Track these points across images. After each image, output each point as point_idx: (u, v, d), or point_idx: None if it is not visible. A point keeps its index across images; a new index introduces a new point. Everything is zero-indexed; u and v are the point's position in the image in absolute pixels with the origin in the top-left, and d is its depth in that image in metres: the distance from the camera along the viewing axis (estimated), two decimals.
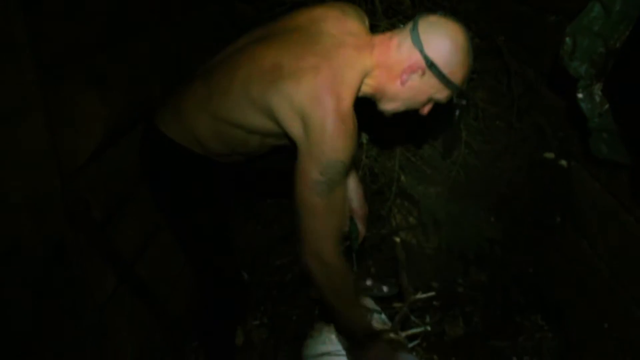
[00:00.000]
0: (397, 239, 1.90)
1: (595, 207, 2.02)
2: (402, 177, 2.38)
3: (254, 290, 2.57)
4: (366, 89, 1.57)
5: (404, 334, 1.82)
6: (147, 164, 1.77)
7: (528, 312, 2.40)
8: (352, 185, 1.94)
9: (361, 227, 1.89)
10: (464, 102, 2.19)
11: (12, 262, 1.22)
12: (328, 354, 1.87)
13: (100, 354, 1.60)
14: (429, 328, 1.90)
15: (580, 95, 1.59)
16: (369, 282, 2.11)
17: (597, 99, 1.57)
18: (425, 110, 1.60)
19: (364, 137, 2.46)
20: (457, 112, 2.24)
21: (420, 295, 1.90)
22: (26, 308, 1.28)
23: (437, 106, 1.62)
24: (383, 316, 1.89)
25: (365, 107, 1.63)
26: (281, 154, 1.75)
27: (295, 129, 1.48)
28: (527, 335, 2.30)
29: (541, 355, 2.18)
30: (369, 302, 1.97)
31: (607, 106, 1.57)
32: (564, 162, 2.18)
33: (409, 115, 1.65)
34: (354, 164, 1.67)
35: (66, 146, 1.43)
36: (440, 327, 2.33)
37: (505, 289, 2.48)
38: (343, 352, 1.87)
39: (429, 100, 1.57)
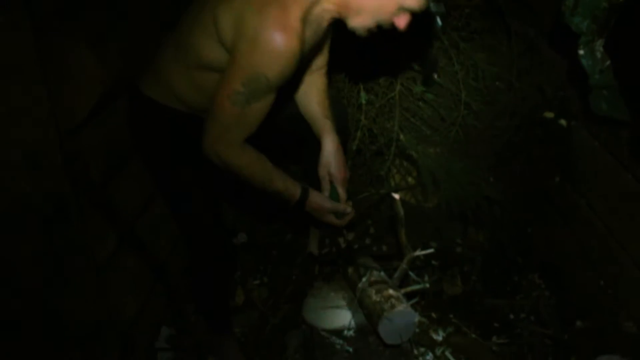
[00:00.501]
0: (396, 196, 1.90)
1: (594, 166, 2.02)
2: (402, 137, 2.37)
3: (254, 251, 2.60)
4: (329, 7, 1.49)
5: (402, 291, 1.84)
6: (135, 128, 1.76)
7: (526, 272, 2.43)
8: (332, 148, 1.87)
9: (341, 191, 1.85)
10: (442, 8, 2.07)
11: (14, 219, 1.23)
12: (327, 308, 1.90)
13: (101, 312, 1.62)
14: (427, 285, 1.93)
15: (581, 52, 1.57)
16: (368, 241, 2.13)
17: (599, 55, 1.56)
18: (401, 23, 1.49)
19: (363, 98, 2.45)
20: (439, 21, 2.13)
21: (418, 252, 1.92)
22: (28, 265, 1.29)
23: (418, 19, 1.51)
24: (382, 273, 1.91)
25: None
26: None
27: (228, 35, 1.44)
28: (524, 293, 2.33)
29: (538, 313, 2.21)
30: (367, 261, 1.98)
31: (608, 62, 1.56)
32: (563, 122, 2.17)
33: (386, 34, 1.55)
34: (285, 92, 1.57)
35: (64, 104, 1.42)
36: (439, 286, 2.36)
37: (503, 249, 2.50)
38: (342, 307, 1.90)
39: (399, 9, 1.46)
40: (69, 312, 1.45)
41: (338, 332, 1.82)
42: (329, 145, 1.85)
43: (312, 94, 1.87)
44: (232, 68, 1.44)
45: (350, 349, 1.81)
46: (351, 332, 1.81)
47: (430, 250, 1.96)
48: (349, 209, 1.81)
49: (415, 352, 2.07)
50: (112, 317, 1.70)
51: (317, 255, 2.19)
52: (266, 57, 1.39)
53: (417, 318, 1.73)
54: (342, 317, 1.86)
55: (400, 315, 1.70)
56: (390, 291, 1.78)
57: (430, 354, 2.08)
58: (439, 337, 2.14)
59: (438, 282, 2.37)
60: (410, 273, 1.96)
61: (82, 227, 1.49)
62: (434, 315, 2.22)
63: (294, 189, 1.72)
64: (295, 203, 1.73)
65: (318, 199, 1.77)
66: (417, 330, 2.11)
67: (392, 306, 1.70)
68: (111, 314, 1.70)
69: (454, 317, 2.22)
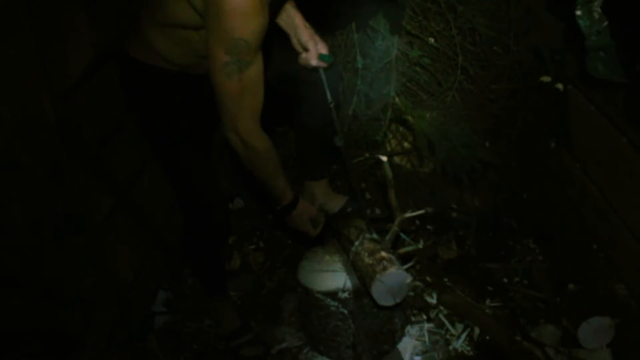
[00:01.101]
0: (384, 158, 1.91)
1: (590, 130, 2.02)
2: (397, 100, 2.36)
3: (250, 216, 2.61)
4: None
5: (395, 253, 1.86)
6: (127, 91, 1.77)
7: (520, 236, 2.44)
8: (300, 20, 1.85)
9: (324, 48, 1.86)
10: None
11: (8, 181, 1.23)
12: (322, 271, 1.92)
13: (98, 273, 1.64)
14: (420, 246, 1.94)
15: (578, 13, 1.55)
16: (362, 205, 2.14)
17: (596, 15, 1.54)
18: None
19: (359, 62, 2.43)
20: None
21: (410, 214, 1.93)
22: (25, 227, 1.29)
23: None
24: (374, 235, 1.92)
25: None
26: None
27: (199, 5, 1.47)
28: (518, 258, 2.34)
29: (531, 276, 2.23)
30: (360, 224, 1.99)
31: (605, 23, 1.54)
32: (560, 86, 2.16)
33: None
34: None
35: (56, 66, 1.41)
36: (434, 251, 2.37)
37: (498, 213, 2.51)
38: (336, 270, 1.92)
39: None
40: (67, 274, 1.46)
41: (333, 294, 1.83)
42: (303, 21, 1.85)
43: None
44: (212, 39, 1.47)
45: (345, 311, 1.83)
46: (346, 294, 1.82)
47: (421, 212, 1.96)
48: (323, 218, 1.97)
49: (410, 314, 2.10)
50: (109, 280, 1.72)
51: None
52: (236, 22, 1.42)
53: (409, 279, 1.74)
54: (337, 280, 1.87)
55: (393, 276, 1.71)
56: (383, 253, 1.79)
57: (425, 317, 2.11)
58: (433, 300, 2.17)
59: (433, 247, 2.39)
60: (402, 235, 1.96)
61: (77, 190, 1.50)
62: (428, 279, 2.25)
63: (290, 192, 1.83)
64: (285, 205, 1.84)
65: (305, 205, 1.90)
66: (411, 293, 2.14)
67: (384, 268, 1.71)
68: (108, 277, 1.71)
69: (448, 280, 2.24)
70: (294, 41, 1.86)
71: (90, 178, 1.61)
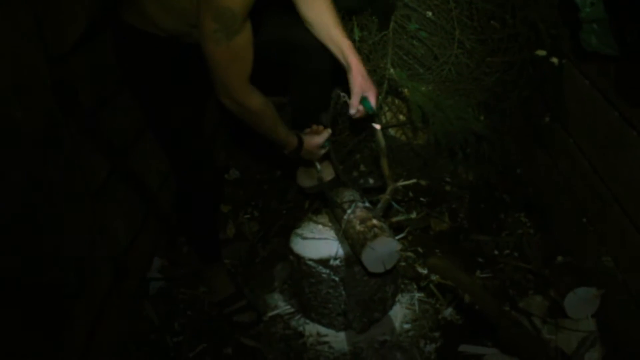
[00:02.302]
0: (377, 126, 1.93)
1: (583, 104, 2.03)
2: (392, 71, 2.37)
3: (245, 186, 2.63)
4: None
5: (387, 222, 1.88)
6: (120, 56, 1.78)
7: (512, 210, 2.47)
8: (361, 67, 1.92)
9: (373, 103, 1.96)
10: None
11: (5, 141, 1.24)
12: (314, 239, 1.94)
13: (94, 238, 1.66)
14: (412, 216, 1.97)
15: None
16: (355, 174, 2.15)
17: None
18: None
19: (356, 34, 2.43)
20: None
21: (401, 183, 1.95)
22: (21, 190, 1.31)
23: None
24: (367, 204, 1.94)
25: None
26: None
27: None
28: (509, 230, 2.37)
29: (521, 249, 2.26)
30: (353, 194, 2.01)
31: None
32: (555, 60, 2.16)
33: None
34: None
35: (52, 32, 1.42)
36: (426, 222, 2.40)
37: (491, 187, 2.53)
38: (328, 238, 1.94)
39: None
40: (64, 236, 1.47)
41: (324, 262, 1.86)
42: (358, 66, 1.91)
43: (326, 18, 1.90)
44: (202, 7, 1.53)
45: (337, 278, 1.86)
46: (337, 262, 1.85)
47: (413, 181, 2.00)
48: (328, 133, 2.03)
49: (401, 283, 2.13)
50: (105, 244, 1.74)
51: (306, 188, 2.22)
52: None
53: (399, 247, 1.76)
54: (329, 248, 1.89)
55: (383, 244, 1.73)
56: (374, 221, 1.81)
57: (415, 286, 2.14)
58: (424, 270, 2.20)
59: (425, 218, 2.42)
60: (394, 204, 1.99)
61: (73, 154, 1.51)
62: (420, 249, 2.28)
63: (293, 138, 1.93)
64: (292, 150, 1.95)
65: (311, 140, 1.98)
66: (403, 263, 2.17)
67: (375, 235, 1.73)
68: (104, 241, 1.74)
69: (439, 251, 2.27)
70: (355, 81, 1.93)
71: (86, 143, 1.63)
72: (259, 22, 1.73)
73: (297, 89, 2.06)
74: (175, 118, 1.82)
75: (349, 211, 1.88)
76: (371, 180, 2.19)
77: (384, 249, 1.74)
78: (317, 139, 2.01)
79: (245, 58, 1.63)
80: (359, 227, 1.79)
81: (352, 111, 1.96)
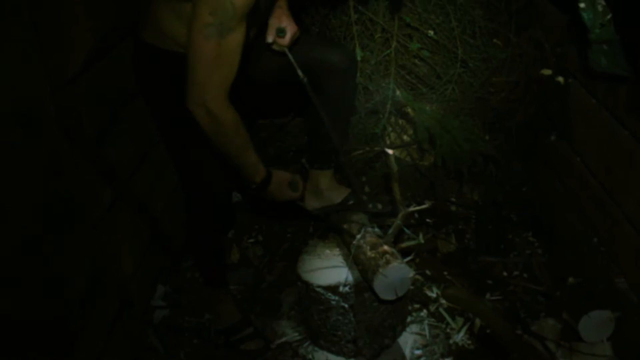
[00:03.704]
0: (390, 151, 1.89)
1: (591, 123, 2.02)
2: (398, 92, 2.35)
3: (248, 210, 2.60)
4: None
5: (397, 247, 1.85)
6: (141, 77, 1.77)
7: (520, 230, 2.44)
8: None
9: (289, 35, 1.86)
10: None
11: (8, 169, 1.21)
12: (322, 265, 1.91)
13: (97, 267, 1.62)
14: (422, 241, 1.93)
15: (582, 5, 1.55)
16: (364, 198, 2.13)
17: (600, 8, 1.54)
18: None
19: (358, 54, 2.42)
20: None
21: (412, 208, 1.92)
22: (25, 218, 1.28)
23: None
24: (376, 229, 1.91)
25: None
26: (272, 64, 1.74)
27: None
28: (517, 251, 2.34)
29: (531, 270, 2.23)
30: (362, 218, 1.98)
31: (609, 16, 1.54)
32: (561, 79, 2.15)
33: None
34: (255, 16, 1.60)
35: (55, 57, 1.40)
36: (433, 244, 2.37)
37: (498, 207, 2.51)
38: (337, 264, 1.91)
39: None
40: (66, 267, 1.45)
41: (333, 289, 1.83)
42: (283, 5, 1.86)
43: None
44: (199, 1, 1.46)
45: (346, 305, 1.83)
46: (346, 289, 1.82)
47: (425, 206, 1.96)
48: (298, 177, 1.92)
49: (410, 308, 2.10)
50: (108, 273, 1.70)
51: (313, 210, 2.19)
52: None
53: (412, 273, 1.74)
54: (338, 274, 1.86)
55: (395, 270, 1.71)
56: (385, 247, 1.78)
57: (425, 311, 2.11)
58: (433, 294, 2.17)
59: (432, 240, 2.39)
60: (405, 230, 1.96)
61: (76, 181, 1.48)
62: (428, 272, 2.24)
63: (262, 167, 1.79)
64: (261, 181, 1.80)
65: (279, 174, 1.86)
66: (411, 287, 2.13)
67: (387, 262, 1.71)
68: (108, 270, 1.70)
69: (447, 274, 2.24)
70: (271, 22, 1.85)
71: (90, 169, 1.60)
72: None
73: (320, 109, 1.99)
74: (191, 139, 1.78)
75: (358, 236, 1.85)
76: (379, 206, 2.16)
77: (396, 276, 1.71)
78: (287, 174, 1.90)
79: (231, 63, 1.54)
80: (369, 253, 1.77)
81: (270, 38, 1.85)
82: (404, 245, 1.93)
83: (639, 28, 1.52)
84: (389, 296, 1.75)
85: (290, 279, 2.17)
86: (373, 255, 1.76)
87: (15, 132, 1.24)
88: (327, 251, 1.99)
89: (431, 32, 2.42)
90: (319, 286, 1.84)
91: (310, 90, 1.91)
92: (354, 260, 1.86)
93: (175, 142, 1.84)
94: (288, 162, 2.62)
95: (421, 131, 2.29)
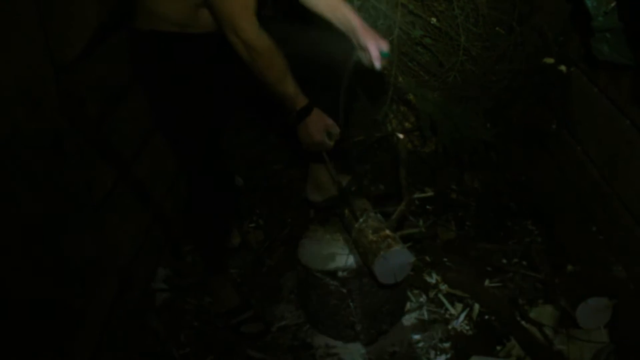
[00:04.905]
0: (400, 135, 1.88)
1: (592, 112, 2.02)
2: (401, 79, 2.35)
3: (250, 195, 2.60)
4: None
5: (399, 233, 1.86)
6: (135, 63, 1.76)
7: (519, 218, 2.45)
8: (358, 21, 1.82)
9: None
10: None
11: (12, 150, 1.22)
12: (322, 250, 1.92)
13: (99, 248, 1.63)
14: (423, 230, 1.94)
15: None
16: (365, 182, 2.12)
17: None
18: None
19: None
20: None
21: (418, 195, 1.93)
22: (27, 198, 1.29)
23: None
24: (379, 215, 1.92)
25: None
26: None
27: None
28: (517, 239, 2.35)
29: (530, 258, 2.24)
30: (364, 203, 1.99)
31: (613, 4, 1.54)
32: (563, 68, 2.15)
33: None
34: None
35: (58, 40, 1.40)
36: (433, 231, 2.38)
37: (498, 195, 2.51)
38: (337, 249, 1.92)
39: None
40: (68, 248, 1.45)
41: (332, 274, 1.84)
42: (362, 23, 1.82)
43: None
44: None
45: (344, 290, 1.84)
46: (345, 274, 1.83)
47: (430, 194, 1.96)
48: (339, 129, 1.85)
49: (409, 294, 2.11)
50: (110, 255, 1.72)
51: (317, 203, 2.18)
52: None
53: (412, 259, 1.74)
54: (337, 259, 1.87)
55: (397, 254, 1.71)
56: (387, 232, 1.79)
57: (424, 297, 2.12)
58: (432, 280, 2.18)
59: (433, 227, 2.39)
60: (409, 216, 1.96)
61: (79, 163, 1.49)
62: (427, 258, 2.26)
63: (302, 98, 1.76)
64: (300, 109, 1.76)
65: (320, 113, 1.80)
66: (411, 272, 2.14)
67: (389, 245, 1.71)
68: (109, 252, 1.71)
69: (447, 260, 2.25)
70: (354, 42, 1.83)
71: (92, 152, 1.60)
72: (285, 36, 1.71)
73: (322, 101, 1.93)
74: (189, 121, 1.78)
75: (361, 219, 1.86)
76: (381, 187, 2.15)
77: (396, 260, 1.72)
78: (329, 119, 1.83)
79: None
80: (371, 237, 1.77)
81: (378, 64, 1.80)
82: (405, 232, 1.94)
83: None
84: (388, 280, 1.75)
85: (290, 263, 2.18)
86: (375, 238, 1.76)
87: (17, 111, 1.24)
88: (327, 236, 2.00)
89: (434, 20, 2.42)
90: (318, 271, 1.86)
91: (403, 145, 1.90)
92: (354, 243, 1.87)
93: (176, 126, 1.83)
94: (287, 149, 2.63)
95: (423, 118, 2.29)
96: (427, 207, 2.47)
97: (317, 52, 1.89)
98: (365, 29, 1.80)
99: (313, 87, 1.89)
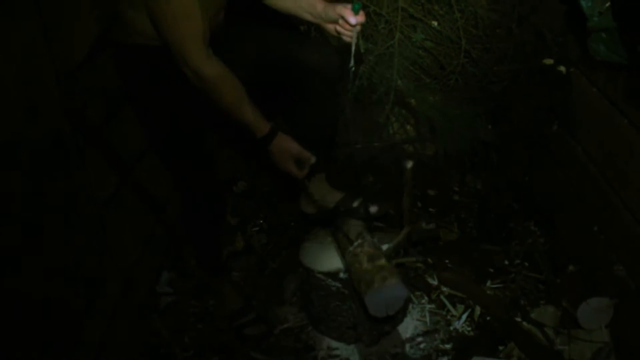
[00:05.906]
0: (409, 163, 1.79)
1: (591, 112, 2.03)
2: (399, 82, 2.36)
3: (253, 199, 2.62)
4: None
5: (394, 262, 1.84)
6: (122, 76, 1.75)
7: (521, 219, 2.45)
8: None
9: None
10: None
11: (12, 154, 1.24)
12: (324, 252, 1.94)
13: (102, 250, 1.66)
14: (420, 262, 1.91)
15: None
16: (355, 204, 2.08)
17: None
18: None
19: (362, 46, 2.43)
20: None
21: (421, 227, 1.89)
22: (28, 199, 1.31)
23: None
24: (375, 240, 1.89)
25: None
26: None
27: None
28: (519, 240, 2.35)
29: (532, 259, 2.24)
30: (359, 225, 1.97)
31: (607, 4, 1.55)
32: (562, 69, 2.16)
33: None
34: None
35: (60, 46, 1.42)
36: (435, 233, 2.39)
37: (500, 196, 2.52)
38: (337, 254, 1.93)
39: None
40: (71, 250, 1.47)
41: (334, 275, 1.85)
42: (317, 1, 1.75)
43: None
44: None
45: (346, 291, 1.85)
46: (347, 275, 1.84)
47: (432, 227, 1.92)
48: (313, 159, 1.79)
49: (411, 295, 2.12)
50: (113, 258, 1.74)
51: (309, 214, 2.19)
52: None
53: (407, 294, 1.67)
54: (338, 261, 1.89)
55: (391, 289, 1.67)
56: (383, 261, 1.75)
57: (426, 298, 2.13)
58: (434, 281, 2.18)
59: (435, 229, 2.40)
60: (408, 248, 1.94)
61: (81, 167, 1.51)
62: (429, 260, 2.26)
63: (264, 125, 1.70)
64: (260, 138, 1.71)
65: (285, 141, 1.74)
66: (412, 274, 2.15)
67: (384, 278, 1.67)
68: (112, 255, 1.73)
69: (449, 262, 2.26)
70: (326, 27, 1.77)
71: (94, 155, 1.63)
72: (260, 39, 1.69)
73: (305, 112, 1.97)
74: (174, 133, 1.78)
75: (355, 243, 1.84)
76: (374, 209, 2.10)
77: (390, 295, 1.69)
78: (295, 146, 1.76)
79: (191, 16, 1.49)
80: (366, 265, 1.75)
81: (353, 20, 1.65)
82: (402, 260, 1.92)
83: (636, 15, 1.53)
84: (380, 313, 1.73)
85: (293, 266, 2.20)
86: (370, 268, 1.73)
87: (18, 113, 1.26)
88: (329, 239, 2.01)
89: (435, 23, 2.43)
90: (320, 272, 1.87)
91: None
92: (347, 268, 1.84)
93: (159, 136, 1.83)
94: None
95: (423, 121, 2.30)
96: (429, 209, 2.48)
97: (294, 56, 1.86)
98: (329, 4, 1.72)
99: (301, 96, 1.86)
